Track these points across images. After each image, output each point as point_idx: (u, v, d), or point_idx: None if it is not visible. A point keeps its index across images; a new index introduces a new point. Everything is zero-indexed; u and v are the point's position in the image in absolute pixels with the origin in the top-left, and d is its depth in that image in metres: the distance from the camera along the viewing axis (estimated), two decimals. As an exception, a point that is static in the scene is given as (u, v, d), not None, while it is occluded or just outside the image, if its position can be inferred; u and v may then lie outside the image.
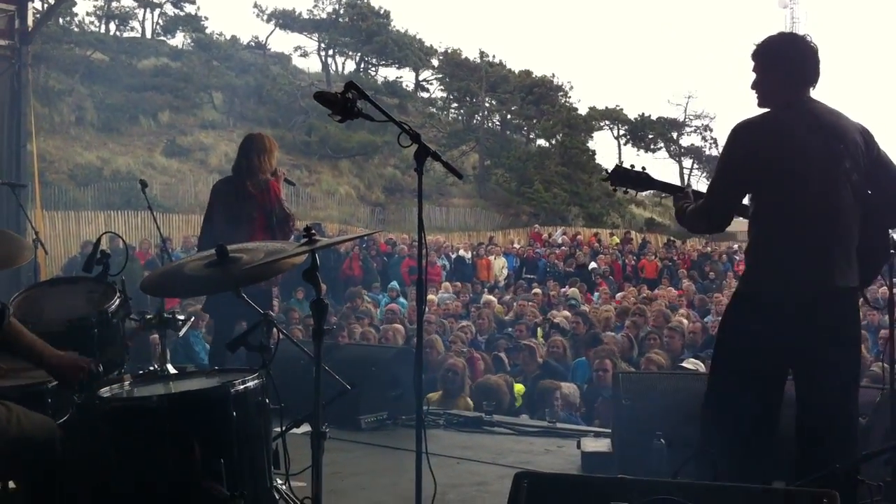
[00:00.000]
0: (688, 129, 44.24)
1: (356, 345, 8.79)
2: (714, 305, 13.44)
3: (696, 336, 9.97)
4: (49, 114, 27.55)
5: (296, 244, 3.46)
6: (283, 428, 3.50)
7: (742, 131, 3.60)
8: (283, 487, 3.41)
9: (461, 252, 22.14)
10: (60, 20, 31.21)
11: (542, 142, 40.77)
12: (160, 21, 40.17)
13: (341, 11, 41.40)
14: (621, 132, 42.98)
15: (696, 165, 43.66)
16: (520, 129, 42.41)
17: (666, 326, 9.92)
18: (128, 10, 39.17)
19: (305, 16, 41.08)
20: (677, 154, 43.85)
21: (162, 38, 39.87)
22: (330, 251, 16.76)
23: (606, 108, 42.74)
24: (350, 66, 43.78)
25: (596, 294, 17.46)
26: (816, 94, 3.69)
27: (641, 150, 42.71)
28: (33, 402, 3.11)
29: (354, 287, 15.84)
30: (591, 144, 39.35)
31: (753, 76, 3.73)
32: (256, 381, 3.19)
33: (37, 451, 2.86)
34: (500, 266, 21.49)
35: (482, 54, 40.65)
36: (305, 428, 3.28)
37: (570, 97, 41.08)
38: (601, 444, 5.48)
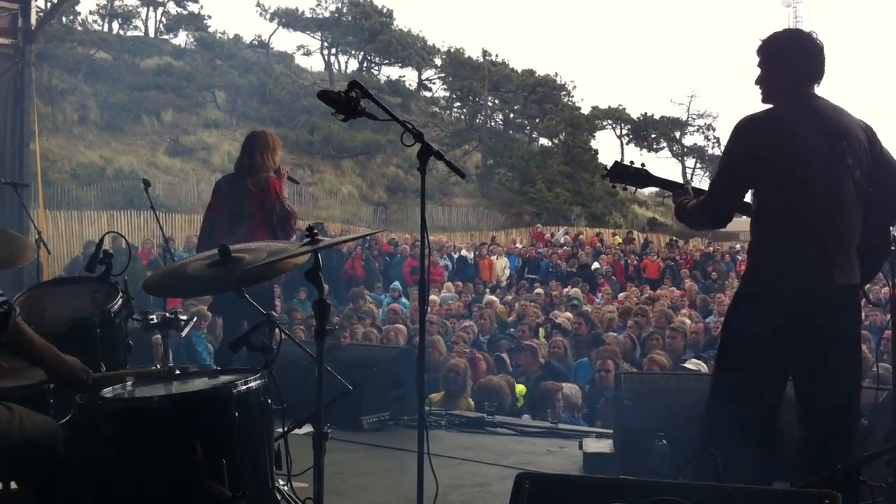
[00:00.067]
0: (690, 129, 44.18)
1: (358, 345, 8.79)
2: (716, 306, 13.44)
3: (699, 336, 9.97)
4: (52, 113, 27.57)
5: (298, 244, 3.46)
6: (285, 428, 3.50)
7: (745, 127, 3.60)
8: (285, 488, 3.41)
9: (463, 252, 22.13)
10: (63, 19, 31.22)
11: (544, 141, 40.73)
12: (163, 20, 40.25)
13: (344, 10, 41.39)
14: (624, 132, 42.94)
15: (698, 165, 43.61)
16: (522, 128, 42.40)
17: (668, 327, 9.91)
18: (131, 8, 39.24)
19: (308, 15, 41.10)
20: (680, 154, 43.80)
21: (165, 36, 39.92)
22: (332, 251, 16.77)
23: (609, 107, 42.74)
24: (353, 65, 43.88)
25: (598, 294, 17.45)
26: (820, 91, 3.69)
27: (644, 150, 42.67)
28: (35, 402, 3.11)
29: (357, 287, 15.85)
30: (593, 144, 39.31)
31: (758, 72, 3.72)
32: (258, 382, 3.19)
33: (39, 452, 2.86)
34: (502, 266, 21.49)
35: (485, 53, 40.65)
36: (307, 428, 3.29)
37: (572, 96, 41.05)
38: (603, 445, 5.48)
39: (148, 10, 39.88)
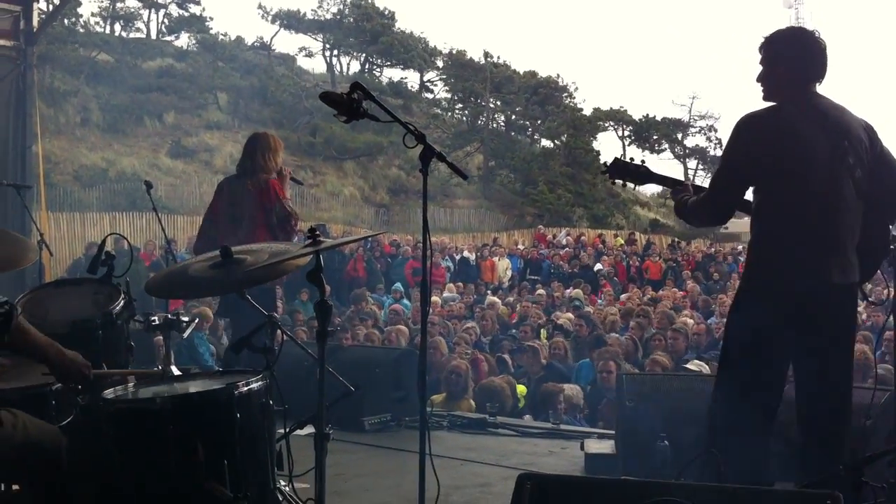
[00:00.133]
0: (692, 130, 44.25)
1: (360, 346, 8.79)
2: (718, 307, 13.43)
3: (700, 338, 9.96)
4: (54, 115, 27.62)
5: (300, 245, 3.46)
6: (287, 429, 3.50)
7: (746, 125, 3.60)
8: (287, 489, 3.41)
9: (465, 253, 22.15)
10: (66, 21, 31.26)
11: (546, 142, 40.78)
12: (165, 22, 40.29)
13: (346, 12, 41.42)
14: (626, 133, 42.97)
15: (700, 166, 43.62)
16: (524, 129, 42.42)
17: (670, 328, 9.91)
18: (132, 10, 39.29)
19: (310, 16, 41.14)
20: (682, 155, 43.81)
21: (167, 38, 39.95)
22: (334, 252, 16.77)
23: (611, 108, 42.77)
24: (355, 66, 43.90)
25: (600, 295, 17.45)
26: (822, 90, 3.69)
27: (646, 151, 42.61)
28: (36, 403, 3.12)
29: (359, 289, 15.85)
30: (595, 145, 39.38)
31: (760, 69, 3.72)
32: (260, 383, 3.19)
33: (42, 456, 2.86)
34: (504, 267, 21.49)
35: (487, 55, 40.72)
36: (309, 429, 3.29)
37: (574, 98, 41.14)
38: (605, 446, 5.48)
39: (150, 12, 39.97)
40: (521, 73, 40.97)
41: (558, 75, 42.06)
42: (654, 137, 42.82)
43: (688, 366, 7.56)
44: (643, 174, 4.18)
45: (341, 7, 41.31)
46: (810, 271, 3.48)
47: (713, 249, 24.97)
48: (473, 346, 9.96)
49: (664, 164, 42.11)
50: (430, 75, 43.88)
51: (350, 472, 5.14)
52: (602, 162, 4.26)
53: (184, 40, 39.95)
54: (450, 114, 41.91)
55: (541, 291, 16.94)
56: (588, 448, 5.45)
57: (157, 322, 3.71)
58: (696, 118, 44.14)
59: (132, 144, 29.88)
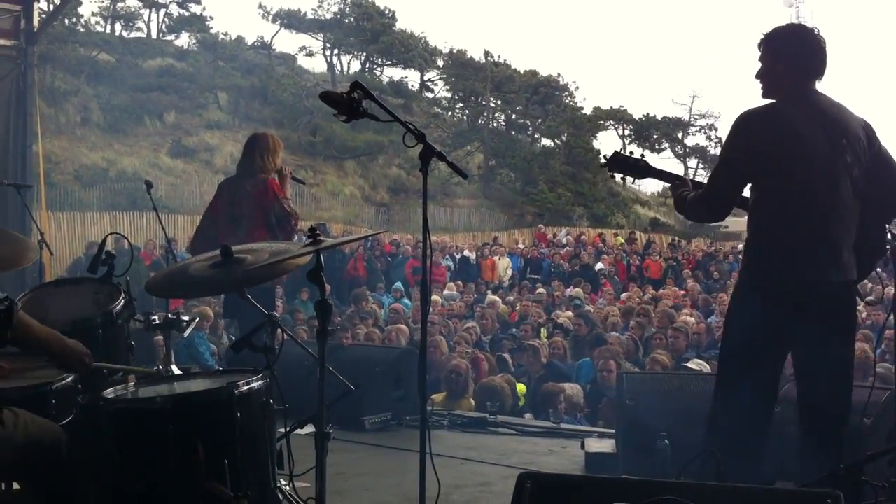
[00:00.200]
0: (693, 129, 44.22)
1: (360, 345, 8.79)
2: (718, 306, 13.41)
3: (701, 337, 9.96)
4: (55, 114, 27.63)
5: (300, 245, 3.46)
6: (287, 428, 3.51)
7: (745, 122, 3.60)
8: (287, 488, 3.41)
9: (466, 252, 22.15)
10: (66, 20, 31.26)
11: (546, 142, 40.76)
12: (165, 21, 40.28)
13: (346, 11, 41.42)
14: (626, 132, 42.97)
15: (701, 165, 43.57)
16: (525, 129, 42.40)
17: (671, 327, 9.91)
18: (133, 10, 39.28)
19: (311, 16, 41.12)
20: (682, 154, 43.80)
21: (167, 38, 39.95)
22: (335, 252, 16.78)
23: (611, 108, 42.75)
24: (355, 66, 43.91)
25: (601, 294, 17.45)
26: (822, 89, 3.69)
27: (647, 150, 42.62)
28: (36, 403, 3.12)
29: (359, 288, 15.85)
30: (596, 144, 39.36)
31: (759, 66, 3.72)
32: (260, 382, 3.19)
33: (43, 455, 2.86)
34: (504, 266, 21.48)
35: (487, 54, 40.72)
36: (309, 429, 3.29)
37: (575, 97, 41.11)
38: (605, 445, 5.47)
39: (150, 12, 39.96)
40: (522, 72, 40.97)
41: (559, 74, 42.13)
42: (655, 136, 42.81)
43: (688, 365, 7.55)
44: (642, 168, 4.19)
45: (341, 6, 41.34)
46: (806, 269, 3.48)
47: (713, 248, 24.97)
48: (474, 346, 9.96)
49: (664, 163, 41.73)
50: (431, 75, 43.95)
51: (350, 471, 5.14)
52: (602, 155, 4.27)
53: (184, 40, 40.01)
54: (450, 113, 41.91)
55: (541, 290, 16.93)
56: (588, 447, 5.45)
57: (158, 321, 3.72)
58: (696, 117, 44.18)
59: (133, 144, 29.89)
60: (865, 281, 4.83)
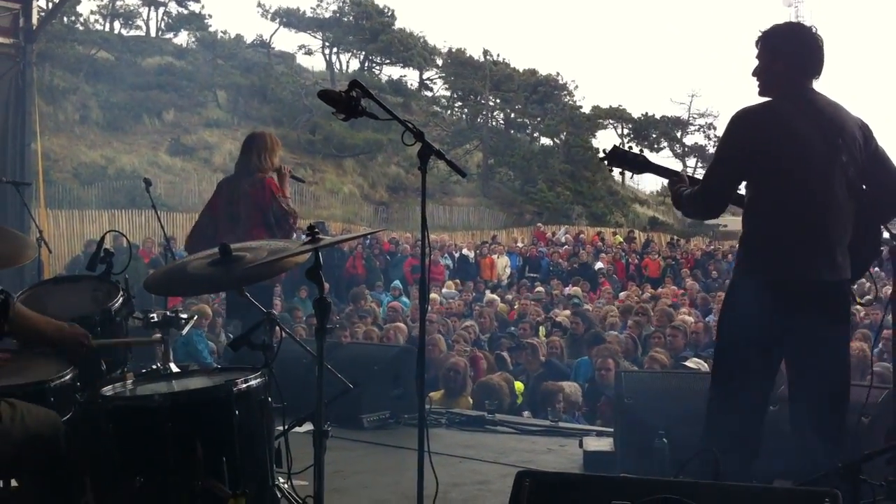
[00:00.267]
0: (691, 128, 44.19)
1: (358, 343, 8.79)
2: (716, 305, 13.40)
3: (699, 335, 9.97)
4: (54, 112, 27.59)
5: (299, 243, 3.46)
6: (286, 426, 3.51)
7: (741, 119, 3.60)
8: (286, 486, 3.41)
9: (464, 251, 22.15)
10: (65, 19, 31.22)
11: (545, 140, 40.73)
12: (164, 19, 40.22)
13: (345, 10, 41.38)
14: (625, 131, 42.94)
15: (700, 164, 43.49)
16: (524, 127, 42.35)
17: (669, 325, 9.91)
18: (132, 8, 39.23)
19: (309, 14, 41.06)
20: (681, 154, 43.77)
21: (166, 36, 39.89)
22: (333, 250, 16.78)
23: (610, 106, 42.72)
24: (354, 64, 43.87)
25: (599, 293, 17.44)
26: (819, 88, 3.68)
27: (645, 149, 42.54)
28: (35, 400, 3.11)
29: (358, 286, 15.85)
30: (595, 143, 39.31)
31: (756, 63, 3.72)
32: (259, 380, 3.19)
33: (41, 448, 2.87)
34: (503, 265, 21.48)
35: (486, 53, 40.68)
36: (308, 426, 3.29)
37: (574, 96, 41.11)
38: (603, 444, 5.48)
39: (149, 10, 39.87)
40: (521, 71, 40.95)
41: (558, 73, 42.17)
42: (654, 135, 42.77)
43: (686, 363, 7.55)
44: (641, 163, 4.21)
45: (341, 5, 41.29)
46: (800, 267, 3.48)
47: (712, 247, 24.94)
48: (472, 344, 9.96)
49: (663, 162, 40.32)
50: (430, 73, 43.91)
51: (349, 469, 5.14)
52: (602, 149, 4.29)
53: (183, 38, 39.96)
54: (449, 112, 41.86)
55: (540, 289, 16.93)
56: (587, 446, 5.45)
57: (156, 319, 3.72)
58: (695, 116, 44.12)
59: (131, 142, 29.86)
60: (864, 280, 4.83)
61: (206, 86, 34.30)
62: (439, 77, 43.61)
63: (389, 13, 41.67)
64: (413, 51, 41.41)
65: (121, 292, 4.18)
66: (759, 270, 3.57)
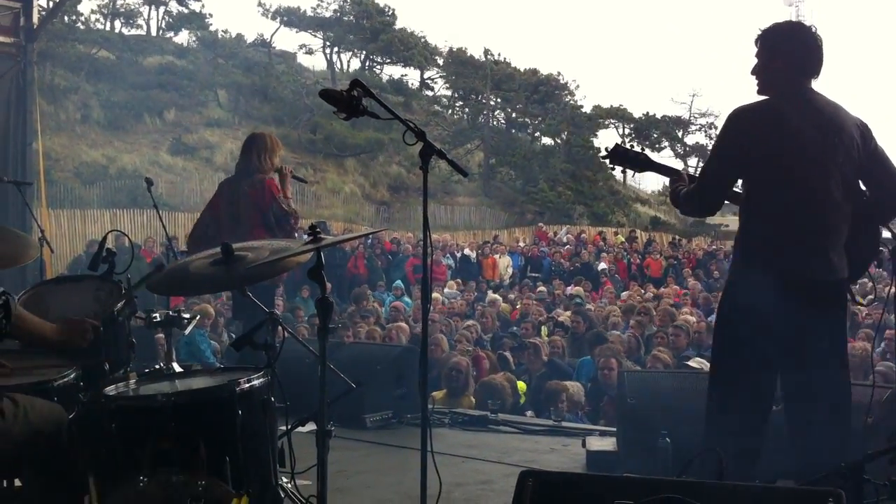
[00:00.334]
0: (693, 128, 44.23)
1: (361, 343, 8.79)
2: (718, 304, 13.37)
3: (702, 335, 9.96)
4: (55, 112, 27.61)
5: (301, 242, 3.46)
6: (289, 426, 3.50)
7: (737, 117, 3.59)
8: (289, 486, 3.41)
9: (466, 251, 22.14)
10: (66, 18, 31.25)
11: (547, 140, 40.74)
12: (165, 18, 40.24)
13: (346, 9, 41.38)
14: (626, 131, 42.94)
15: (701, 164, 43.46)
16: (525, 127, 42.37)
17: (671, 325, 9.91)
18: (133, 7, 39.26)
19: (310, 14, 41.08)
20: (682, 154, 43.76)
21: (167, 35, 39.91)
22: (335, 250, 16.78)
23: (611, 106, 42.72)
24: (355, 64, 43.90)
25: (601, 293, 17.44)
26: (819, 88, 3.68)
27: (647, 149, 42.40)
28: (38, 400, 3.12)
29: (360, 286, 15.85)
30: (596, 143, 39.32)
31: (755, 61, 3.71)
32: (262, 380, 3.19)
33: (44, 445, 2.87)
34: (505, 265, 21.47)
35: (487, 52, 40.71)
36: (311, 426, 3.29)
37: (575, 95, 41.13)
38: (606, 443, 5.47)
39: (150, 9, 39.93)
40: (522, 70, 40.96)
41: (559, 73, 42.23)
42: (655, 135, 42.77)
43: (689, 363, 7.55)
44: (642, 161, 4.22)
45: (341, 4, 41.27)
46: (792, 266, 3.47)
47: (714, 247, 24.93)
48: (474, 344, 9.96)
49: (664, 161, 41.60)
50: (431, 73, 43.92)
51: (352, 469, 5.14)
52: (604, 148, 4.30)
53: (184, 37, 39.99)
54: (450, 111, 41.90)
55: (542, 289, 16.93)
56: (589, 445, 5.45)
57: (159, 319, 3.72)
58: (696, 116, 44.17)
59: (133, 141, 29.88)
60: (865, 280, 4.83)
61: (207, 85, 34.32)
62: (440, 76, 43.67)
63: (390, 12, 41.72)
64: (414, 50, 41.42)
65: (123, 292, 4.17)
66: (754, 268, 3.56)
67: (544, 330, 11.38)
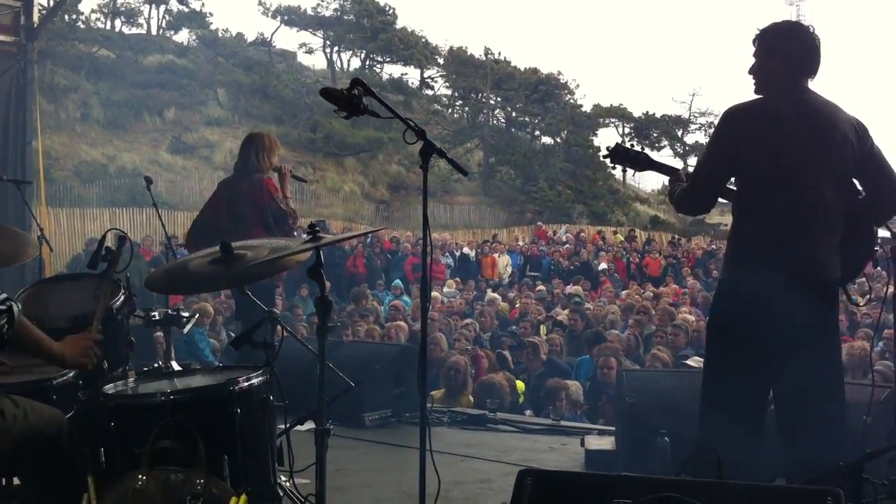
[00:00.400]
0: (692, 127, 44.22)
1: (360, 342, 8.79)
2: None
3: (701, 334, 9.96)
4: (55, 110, 27.59)
5: (300, 241, 3.46)
6: (288, 425, 3.51)
7: (733, 115, 3.59)
8: (287, 484, 3.41)
9: (465, 250, 22.15)
10: (66, 17, 31.22)
11: (546, 139, 40.75)
12: (166, 17, 40.25)
13: (346, 8, 41.37)
14: (626, 130, 42.93)
15: (700, 163, 43.49)
16: (525, 126, 42.37)
17: (670, 324, 9.91)
18: (133, 6, 39.26)
19: (310, 13, 41.07)
20: (682, 153, 43.75)
21: (167, 34, 39.90)
22: (334, 248, 16.77)
23: (611, 105, 42.71)
24: (355, 62, 43.88)
25: (600, 292, 17.44)
26: (817, 88, 3.67)
27: (647, 148, 42.41)
28: (38, 398, 3.12)
29: (359, 285, 15.85)
30: (596, 142, 39.34)
31: (753, 61, 3.71)
32: (260, 378, 3.20)
33: (44, 446, 2.87)
34: (504, 264, 21.47)
35: (487, 51, 40.70)
36: (309, 425, 3.29)
37: (575, 95, 41.13)
38: (605, 442, 5.48)
39: (150, 8, 39.94)
40: (522, 69, 40.95)
41: (559, 72, 42.15)
42: (655, 134, 42.77)
43: (688, 362, 7.54)
44: (643, 160, 4.21)
45: (342, 3, 41.25)
46: (787, 266, 3.46)
47: (713, 246, 24.91)
48: (473, 343, 9.97)
49: (664, 160, 41.82)
50: (431, 72, 43.91)
51: (350, 467, 5.14)
52: (605, 147, 4.30)
53: (184, 36, 40.00)
54: (450, 110, 41.89)
55: (541, 288, 16.93)
56: (588, 444, 5.45)
57: (158, 317, 3.72)
58: (696, 115, 44.16)
59: (132, 140, 29.86)
60: (864, 280, 4.82)
61: (207, 84, 34.29)
62: (440, 75, 43.66)
63: (390, 11, 41.70)
64: (414, 49, 41.40)
65: (122, 290, 4.18)
66: (746, 267, 3.55)
67: (543, 329, 11.39)
